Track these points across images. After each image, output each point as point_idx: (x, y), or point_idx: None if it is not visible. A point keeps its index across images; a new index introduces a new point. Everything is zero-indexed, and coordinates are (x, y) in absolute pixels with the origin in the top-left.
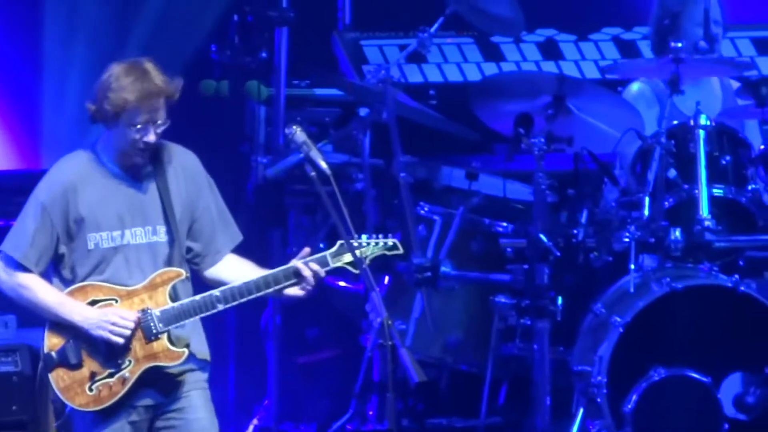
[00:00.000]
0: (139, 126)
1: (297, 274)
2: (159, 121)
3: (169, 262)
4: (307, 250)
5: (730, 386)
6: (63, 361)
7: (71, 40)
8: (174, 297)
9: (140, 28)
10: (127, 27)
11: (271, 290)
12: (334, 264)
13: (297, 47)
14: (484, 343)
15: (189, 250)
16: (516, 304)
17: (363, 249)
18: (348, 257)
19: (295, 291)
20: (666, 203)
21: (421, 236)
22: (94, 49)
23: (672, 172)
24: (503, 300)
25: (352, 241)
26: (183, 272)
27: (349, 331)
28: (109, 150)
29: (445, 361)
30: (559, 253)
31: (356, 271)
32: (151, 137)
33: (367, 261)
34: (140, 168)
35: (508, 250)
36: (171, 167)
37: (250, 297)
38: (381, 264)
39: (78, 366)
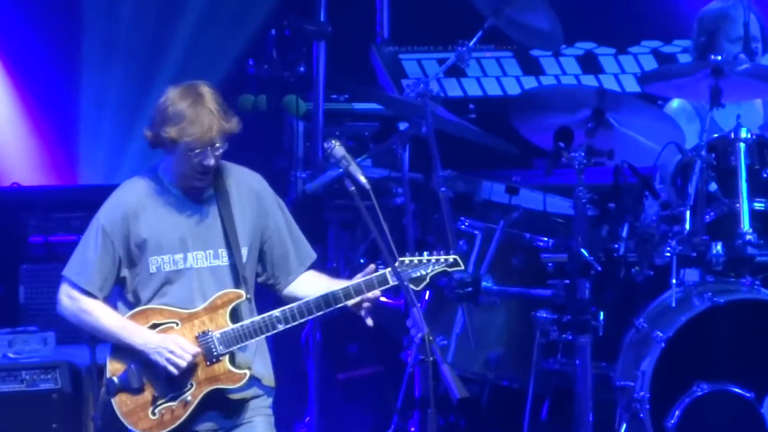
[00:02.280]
0: (197, 151)
1: (357, 294)
2: (217, 144)
3: (234, 285)
4: (372, 266)
5: None
6: (125, 386)
7: (108, 56)
8: (235, 318)
9: (177, 44)
10: (164, 42)
11: (330, 309)
12: (393, 283)
13: (335, 61)
14: (525, 359)
15: (262, 272)
16: (557, 319)
17: (423, 266)
18: (409, 275)
19: (355, 309)
20: (707, 217)
21: (461, 251)
22: (132, 65)
23: (713, 186)
24: (545, 315)
25: (412, 258)
26: (243, 293)
27: (390, 347)
28: (169, 173)
29: (487, 377)
30: (600, 268)
31: (417, 289)
32: (210, 161)
33: (428, 279)
34: (202, 191)
35: (549, 264)
36: (235, 190)
37: (311, 317)
38: None
39: (140, 390)
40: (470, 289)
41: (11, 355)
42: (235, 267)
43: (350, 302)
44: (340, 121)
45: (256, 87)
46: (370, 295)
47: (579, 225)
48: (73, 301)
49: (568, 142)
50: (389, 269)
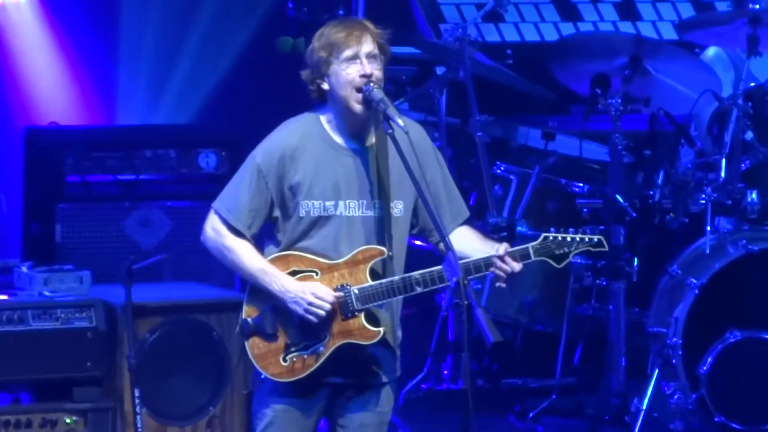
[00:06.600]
0: (348, 56)
1: (495, 265)
2: (370, 49)
3: (379, 239)
4: (505, 245)
5: None
6: (259, 329)
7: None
8: (375, 275)
9: None
10: None
11: (471, 277)
12: (536, 258)
13: (374, 5)
14: (559, 304)
15: (416, 223)
16: (592, 264)
17: (568, 244)
18: (552, 252)
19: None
20: (742, 165)
21: (496, 196)
22: (171, 4)
23: (749, 134)
24: (579, 260)
25: (557, 235)
26: (385, 251)
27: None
28: (332, 115)
29: (521, 321)
30: (635, 214)
31: (558, 266)
32: (366, 68)
33: (570, 257)
34: (363, 137)
35: (584, 210)
36: (396, 140)
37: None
38: None
39: (273, 336)
40: (505, 233)
41: (47, 293)
42: (383, 220)
43: (489, 271)
44: None
45: (295, 29)
46: (507, 267)
47: (614, 171)
48: (218, 235)
49: (605, 89)
50: (531, 245)
